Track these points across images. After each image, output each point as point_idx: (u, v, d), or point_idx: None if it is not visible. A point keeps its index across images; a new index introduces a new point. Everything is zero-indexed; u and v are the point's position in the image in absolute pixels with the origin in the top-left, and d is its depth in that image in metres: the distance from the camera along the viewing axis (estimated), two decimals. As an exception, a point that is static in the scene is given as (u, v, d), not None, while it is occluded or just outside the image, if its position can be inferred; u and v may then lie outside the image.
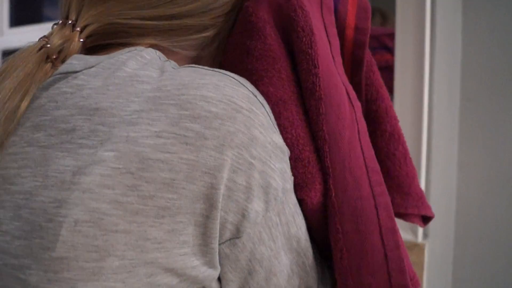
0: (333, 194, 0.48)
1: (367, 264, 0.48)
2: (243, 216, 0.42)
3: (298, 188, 0.48)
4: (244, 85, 0.43)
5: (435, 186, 0.89)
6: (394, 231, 0.49)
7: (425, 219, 0.65)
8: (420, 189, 0.63)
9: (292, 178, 0.47)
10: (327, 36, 0.53)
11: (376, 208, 0.49)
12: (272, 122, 0.45)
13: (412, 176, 0.62)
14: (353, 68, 0.59)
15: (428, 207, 0.64)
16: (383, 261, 0.48)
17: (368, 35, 0.58)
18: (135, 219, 0.38)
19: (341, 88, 0.51)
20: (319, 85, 0.48)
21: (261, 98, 0.45)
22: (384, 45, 0.98)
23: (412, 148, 0.86)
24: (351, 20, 0.58)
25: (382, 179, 0.51)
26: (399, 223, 0.89)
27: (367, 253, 0.48)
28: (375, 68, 0.61)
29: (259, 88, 0.48)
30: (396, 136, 0.61)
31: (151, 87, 0.41)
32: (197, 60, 0.53)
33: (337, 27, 0.57)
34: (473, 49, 0.90)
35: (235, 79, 0.43)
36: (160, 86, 0.41)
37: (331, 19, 0.55)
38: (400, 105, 0.91)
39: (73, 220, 0.37)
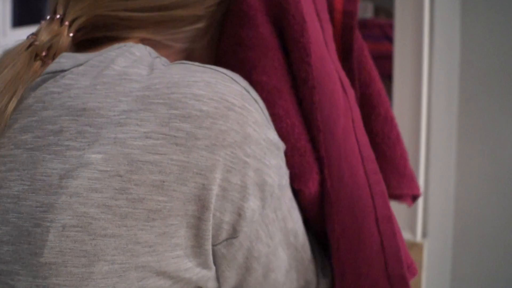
0: (329, 184, 0.48)
1: (364, 253, 0.47)
2: (239, 215, 0.41)
3: (296, 179, 0.47)
4: (236, 82, 0.42)
5: (433, 185, 0.89)
6: (391, 219, 0.49)
7: (413, 199, 0.65)
8: (411, 169, 0.63)
9: (288, 172, 0.46)
10: (320, 21, 0.52)
11: (372, 197, 0.49)
12: (266, 118, 0.44)
13: (405, 157, 0.62)
14: (344, 53, 0.58)
15: (418, 186, 0.64)
16: (379, 249, 0.48)
17: (356, 18, 0.58)
18: (125, 222, 0.37)
19: (334, 75, 0.50)
20: (312, 74, 0.47)
21: (254, 94, 0.44)
22: (387, 35, 0.98)
23: (410, 147, 0.86)
24: (338, 3, 0.57)
25: (378, 168, 0.51)
26: (398, 222, 0.88)
27: (364, 242, 0.47)
28: (367, 52, 0.60)
29: (253, 77, 0.47)
30: (389, 119, 0.61)
31: (140, 86, 0.40)
32: (190, 53, 0.52)
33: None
34: (471, 48, 0.89)
35: (227, 75, 0.42)
36: (149, 85, 0.40)
37: (322, 3, 0.54)
38: (399, 108, 0.90)
39: (61, 225, 0.37)
